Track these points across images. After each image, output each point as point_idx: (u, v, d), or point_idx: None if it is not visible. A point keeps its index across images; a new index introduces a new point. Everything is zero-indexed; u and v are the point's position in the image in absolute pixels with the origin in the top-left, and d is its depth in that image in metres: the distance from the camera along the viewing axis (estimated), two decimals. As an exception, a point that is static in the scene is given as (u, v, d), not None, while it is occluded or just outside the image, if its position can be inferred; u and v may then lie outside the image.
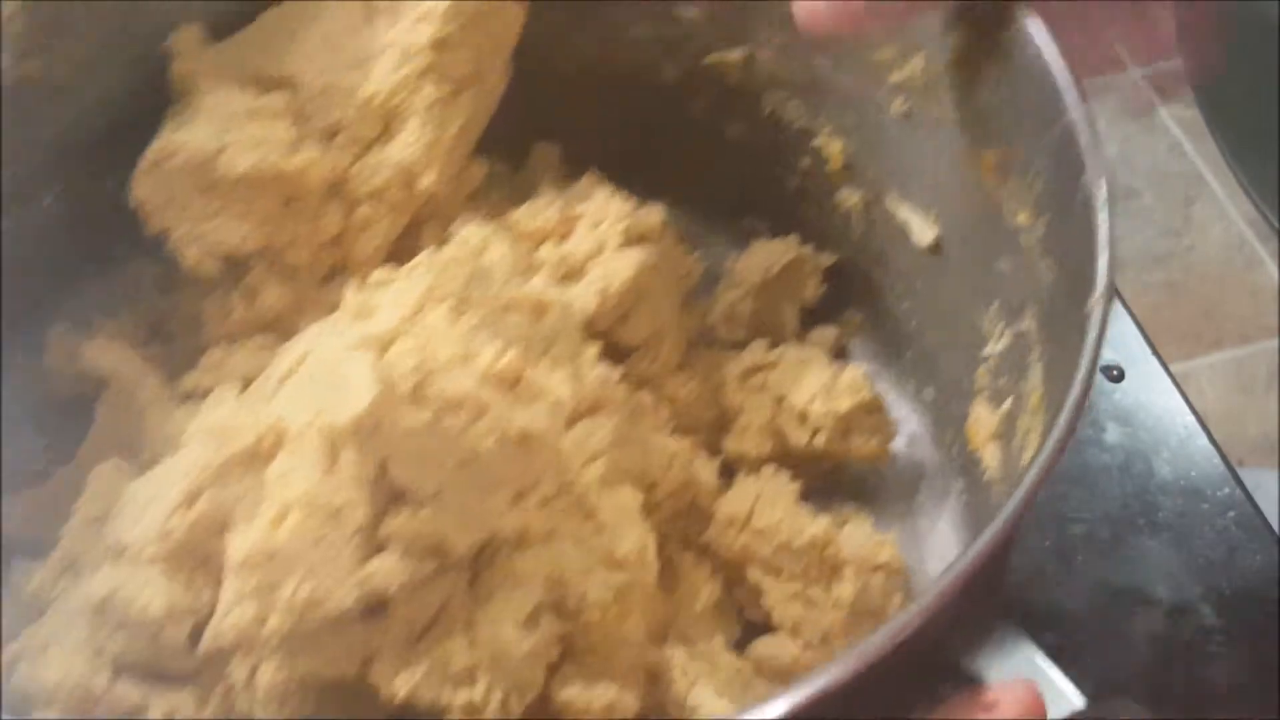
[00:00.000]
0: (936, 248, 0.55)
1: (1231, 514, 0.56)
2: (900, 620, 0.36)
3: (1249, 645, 0.52)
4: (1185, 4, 0.84)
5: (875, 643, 0.36)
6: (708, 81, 0.60)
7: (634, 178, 0.58)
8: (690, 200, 0.61)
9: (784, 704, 0.35)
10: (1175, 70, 1.55)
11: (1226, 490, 0.56)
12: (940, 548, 0.55)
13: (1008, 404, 0.50)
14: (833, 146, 0.58)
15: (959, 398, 0.55)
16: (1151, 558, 0.55)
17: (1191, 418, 0.58)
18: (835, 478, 0.57)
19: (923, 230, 0.55)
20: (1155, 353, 0.60)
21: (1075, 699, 0.38)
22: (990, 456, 0.52)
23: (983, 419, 0.52)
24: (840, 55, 0.55)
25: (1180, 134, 1.58)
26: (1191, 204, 1.53)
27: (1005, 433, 0.51)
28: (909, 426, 0.58)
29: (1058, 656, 0.40)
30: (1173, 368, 0.60)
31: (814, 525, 0.51)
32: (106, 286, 0.57)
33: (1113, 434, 0.58)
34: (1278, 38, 0.74)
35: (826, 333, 0.60)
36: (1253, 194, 0.79)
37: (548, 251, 0.56)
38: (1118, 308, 0.61)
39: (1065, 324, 0.44)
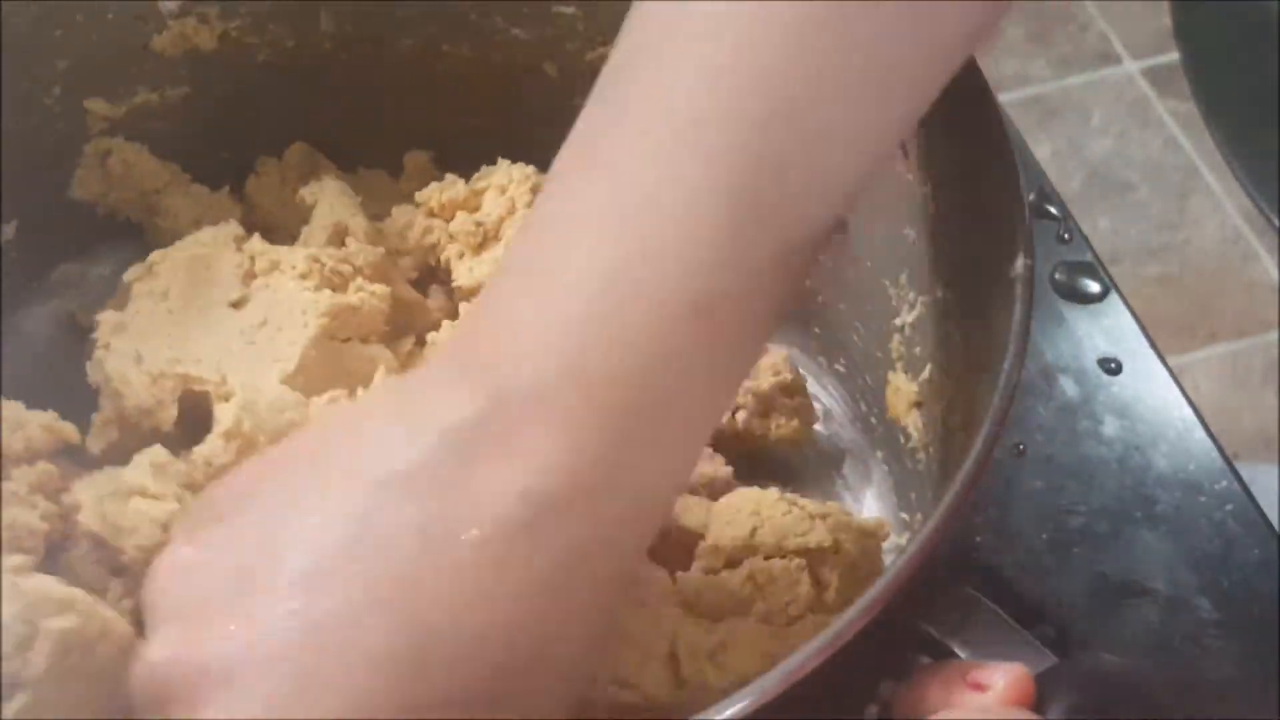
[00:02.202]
0: (840, 223, 0.55)
1: (1229, 508, 0.56)
2: (863, 602, 0.36)
3: (1246, 639, 0.52)
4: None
5: (838, 629, 0.36)
6: (593, 76, 0.59)
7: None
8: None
9: (754, 690, 0.35)
10: (1171, 64, 1.55)
11: (1224, 484, 0.56)
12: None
13: (927, 371, 0.51)
14: None
15: (872, 368, 0.55)
16: (1149, 551, 0.55)
17: (1189, 411, 0.58)
18: (758, 458, 0.57)
19: None
20: (1153, 346, 0.60)
21: (1048, 655, 0.39)
22: (912, 424, 0.52)
23: (902, 388, 0.53)
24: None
25: (1176, 128, 1.58)
26: (1187, 198, 1.53)
27: (927, 400, 0.51)
28: (822, 401, 0.59)
29: (1054, 649, 0.40)
30: (1168, 361, 0.60)
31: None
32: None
33: (1110, 427, 0.58)
34: (1277, 31, 0.74)
35: None
36: (1249, 188, 0.79)
37: (461, 222, 0.57)
38: (1115, 301, 0.61)
39: (983, 290, 0.45)
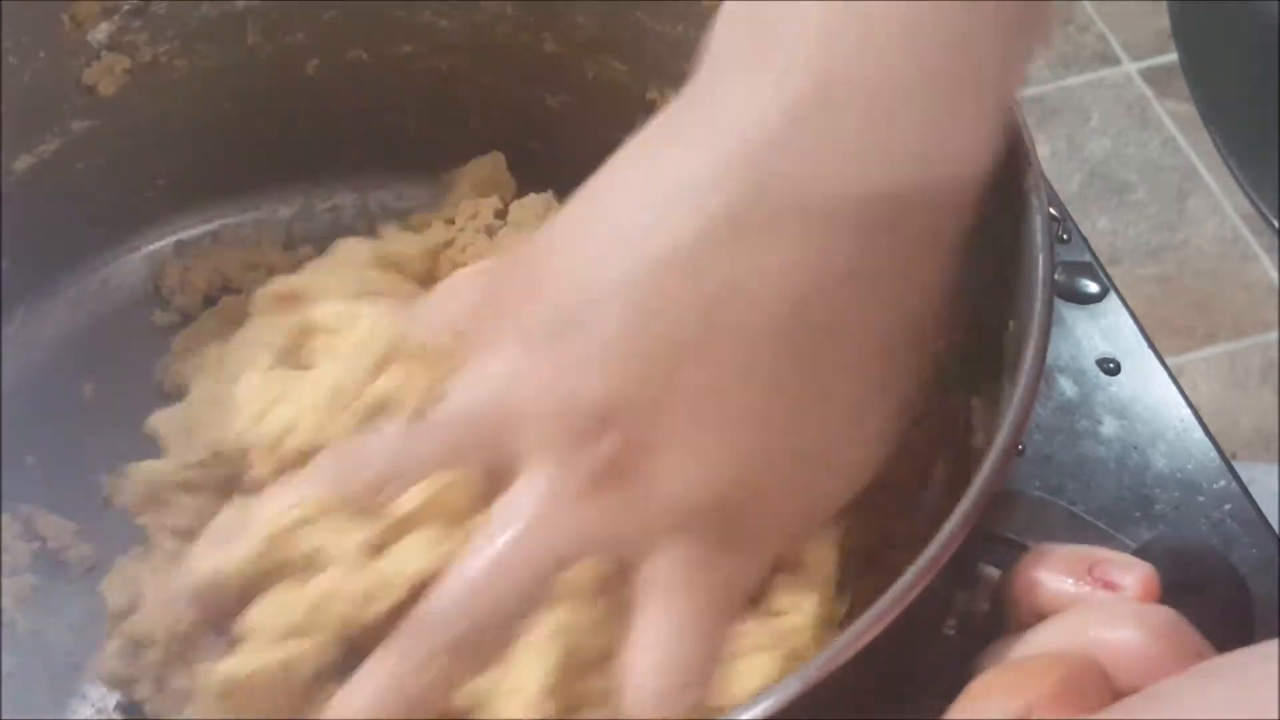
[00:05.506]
0: None
1: (1228, 507, 0.55)
2: (952, 525, 0.36)
3: (1246, 640, 0.52)
4: (1181, -3, 0.84)
5: (933, 554, 0.36)
6: (529, 69, 0.60)
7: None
8: (532, 182, 0.60)
9: (850, 635, 0.35)
10: (1170, 64, 1.55)
11: (1222, 484, 0.56)
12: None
13: None
14: (668, 99, 0.57)
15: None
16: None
17: (1188, 411, 0.58)
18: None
19: None
20: (1152, 346, 0.60)
21: (1126, 543, 0.38)
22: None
23: None
24: (659, 6, 0.56)
25: (1174, 128, 1.58)
26: (1185, 198, 1.53)
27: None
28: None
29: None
30: (1166, 362, 0.60)
31: None
32: None
33: (1109, 427, 0.58)
34: (1277, 31, 0.74)
35: None
36: (1248, 189, 0.79)
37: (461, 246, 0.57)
38: (1114, 301, 0.61)
39: (1002, 233, 0.46)
